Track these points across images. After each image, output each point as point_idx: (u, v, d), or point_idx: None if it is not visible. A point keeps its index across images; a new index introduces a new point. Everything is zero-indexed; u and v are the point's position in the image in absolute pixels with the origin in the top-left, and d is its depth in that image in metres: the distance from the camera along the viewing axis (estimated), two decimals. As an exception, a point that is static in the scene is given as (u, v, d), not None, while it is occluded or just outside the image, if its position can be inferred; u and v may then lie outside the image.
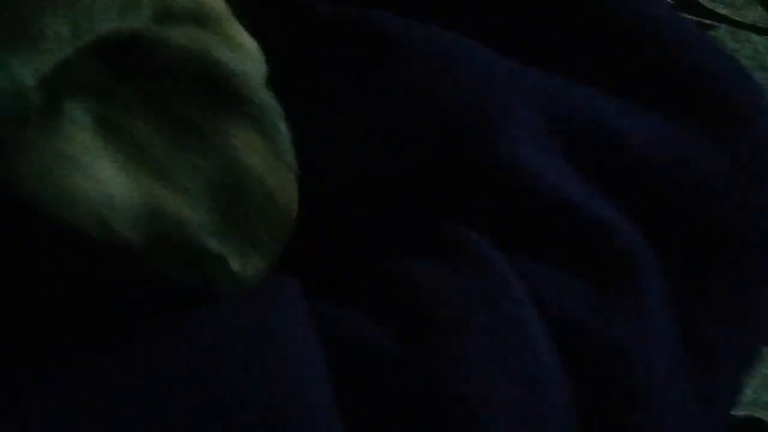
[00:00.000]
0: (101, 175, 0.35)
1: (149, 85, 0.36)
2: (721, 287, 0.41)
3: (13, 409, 0.36)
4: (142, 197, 0.36)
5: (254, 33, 0.48)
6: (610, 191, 0.42)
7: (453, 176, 0.41)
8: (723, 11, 0.84)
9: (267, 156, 0.38)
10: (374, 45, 0.45)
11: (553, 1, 0.44)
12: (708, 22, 0.83)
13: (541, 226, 0.40)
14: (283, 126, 0.38)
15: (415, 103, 0.42)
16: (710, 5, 0.84)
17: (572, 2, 0.44)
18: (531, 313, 0.39)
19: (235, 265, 0.38)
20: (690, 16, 0.86)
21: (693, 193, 0.42)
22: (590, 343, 0.37)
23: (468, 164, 0.41)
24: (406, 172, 0.42)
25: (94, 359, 0.37)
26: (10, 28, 0.36)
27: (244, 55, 0.40)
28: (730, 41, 0.82)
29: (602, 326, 0.37)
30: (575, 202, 0.40)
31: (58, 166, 0.34)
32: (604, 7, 0.43)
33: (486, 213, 0.41)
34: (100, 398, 0.36)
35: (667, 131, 0.43)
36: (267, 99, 0.38)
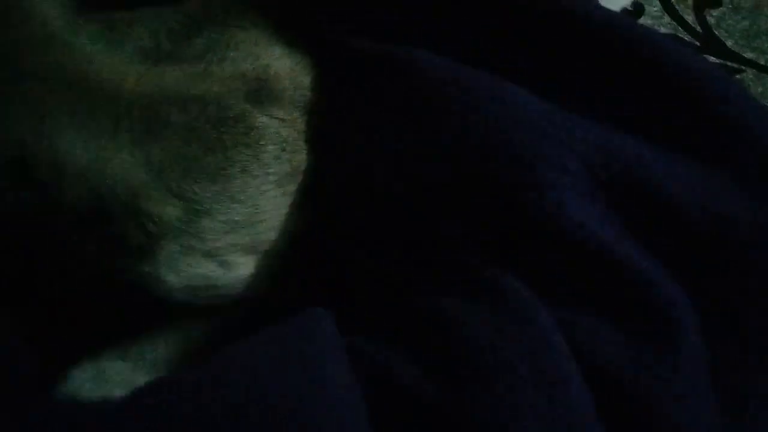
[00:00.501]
0: None
1: None
2: (760, 343, 0.41)
3: None
4: None
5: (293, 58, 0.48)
6: (650, 243, 0.42)
7: (497, 221, 0.41)
8: (749, 55, 0.84)
9: None
10: (415, 83, 0.45)
11: (597, 50, 0.45)
12: (734, 65, 0.83)
13: (582, 277, 0.40)
14: None
15: (460, 146, 0.42)
16: (736, 49, 0.85)
17: (617, 53, 0.44)
18: (571, 366, 0.39)
19: None
20: (716, 59, 0.86)
21: (732, 248, 0.42)
22: (629, 398, 0.37)
23: (512, 210, 0.41)
24: (450, 213, 0.42)
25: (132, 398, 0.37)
26: None
27: None
28: (756, 85, 0.82)
29: (641, 382, 0.37)
30: (617, 255, 0.40)
31: None
32: (650, 58, 0.43)
33: (528, 260, 0.41)
34: None
35: (707, 185, 0.43)
36: None
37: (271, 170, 0.46)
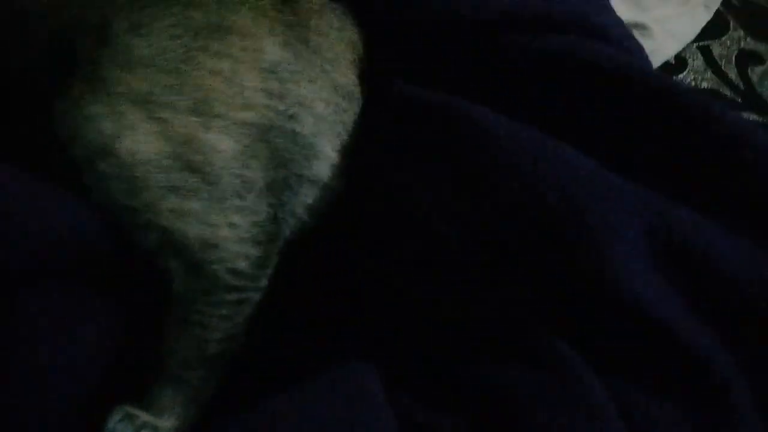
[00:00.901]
0: None
1: None
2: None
3: None
4: None
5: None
6: (705, 314, 0.41)
7: (550, 285, 0.41)
8: (791, 114, 0.84)
9: None
10: (478, 139, 0.45)
11: (656, 119, 0.44)
12: (775, 124, 0.83)
13: (639, 349, 0.40)
14: None
15: (521, 206, 0.42)
16: (778, 107, 0.84)
17: (673, 125, 0.44)
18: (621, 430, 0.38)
19: None
20: (757, 116, 0.85)
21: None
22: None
23: (567, 274, 0.40)
24: (509, 272, 0.42)
25: None
26: None
27: None
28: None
29: None
30: (674, 327, 0.40)
31: None
32: (706, 133, 0.43)
33: (581, 326, 0.40)
34: None
35: (759, 256, 0.42)
36: None
37: None
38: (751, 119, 0.86)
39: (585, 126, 0.45)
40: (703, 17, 0.90)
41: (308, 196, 0.48)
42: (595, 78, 0.45)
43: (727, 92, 0.87)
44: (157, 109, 0.42)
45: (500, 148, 0.43)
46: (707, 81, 0.88)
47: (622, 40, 0.51)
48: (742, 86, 0.88)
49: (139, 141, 0.41)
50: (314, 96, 0.47)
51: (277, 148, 0.45)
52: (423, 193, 0.44)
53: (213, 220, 0.43)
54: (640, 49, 0.52)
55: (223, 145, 0.43)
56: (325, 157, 0.47)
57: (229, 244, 0.44)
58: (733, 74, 0.89)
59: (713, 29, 0.91)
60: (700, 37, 0.89)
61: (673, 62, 0.87)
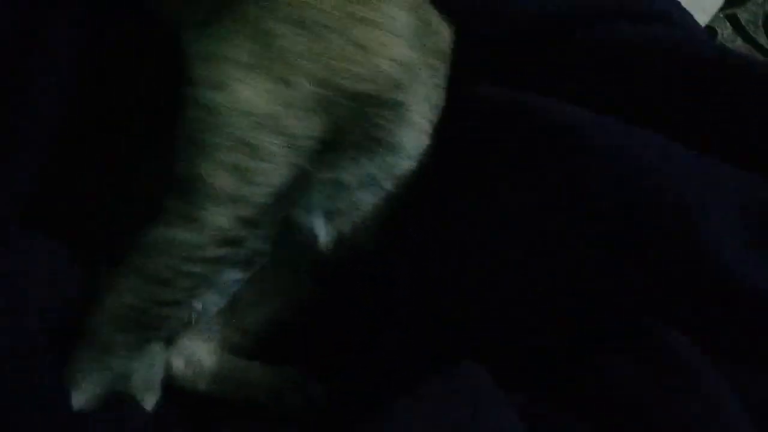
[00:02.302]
0: None
1: None
2: None
3: None
4: None
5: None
6: None
7: (655, 273, 0.41)
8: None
9: None
10: (555, 134, 0.45)
11: (732, 100, 0.45)
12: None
13: (745, 329, 0.40)
14: None
15: (614, 197, 0.42)
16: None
17: (752, 100, 0.44)
18: (743, 424, 0.38)
19: None
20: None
21: None
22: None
23: (669, 259, 0.41)
24: (610, 267, 0.42)
25: None
26: None
27: None
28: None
29: None
30: None
31: None
32: None
33: (688, 313, 0.41)
34: None
35: None
36: None
37: None
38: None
39: (667, 111, 0.45)
40: (727, -15, 0.91)
41: (391, 163, 0.48)
42: (671, 62, 0.45)
43: (759, 57, 0.88)
44: (285, 70, 0.42)
45: (590, 143, 0.43)
46: (738, 48, 0.88)
47: (685, 21, 0.51)
48: (773, 49, 0.88)
49: (255, 95, 0.41)
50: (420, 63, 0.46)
51: (368, 114, 0.45)
52: (515, 193, 0.45)
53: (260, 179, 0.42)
54: (700, 29, 0.53)
55: (318, 118, 0.42)
56: (414, 124, 0.47)
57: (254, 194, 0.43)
58: (762, 39, 0.89)
59: (737, -4, 0.91)
60: (726, 6, 0.90)
61: (703, 33, 0.88)
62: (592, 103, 0.45)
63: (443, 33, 0.50)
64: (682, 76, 0.46)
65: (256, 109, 0.42)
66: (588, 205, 0.43)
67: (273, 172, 0.43)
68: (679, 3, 0.53)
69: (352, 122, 0.44)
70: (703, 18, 0.88)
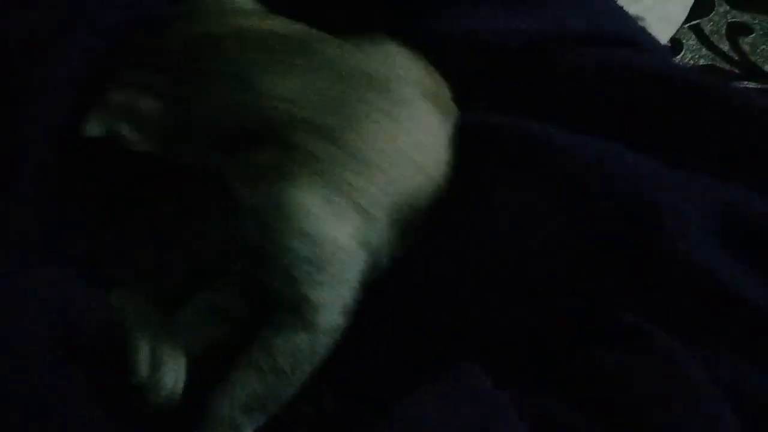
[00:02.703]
0: None
1: None
2: None
3: None
4: None
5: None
6: None
7: (631, 270, 0.46)
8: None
9: None
10: (543, 155, 0.50)
11: (700, 117, 0.50)
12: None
13: (718, 319, 0.45)
14: None
15: (589, 206, 0.47)
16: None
17: (719, 117, 0.49)
18: (718, 401, 0.43)
19: None
20: (755, 84, 0.91)
21: None
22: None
23: (644, 259, 0.46)
24: (596, 271, 0.47)
25: None
26: None
27: None
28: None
29: None
30: (745, 297, 0.45)
31: None
32: (748, 121, 0.48)
33: (668, 309, 0.46)
34: None
35: None
36: None
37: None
38: (750, 87, 0.92)
39: (642, 129, 0.51)
40: (690, -2, 0.96)
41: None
42: (642, 83, 0.51)
43: (725, 65, 0.93)
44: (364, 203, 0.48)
45: (570, 161, 0.48)
46: (704, 58, 0.94)
47: (651, 46, 0.57)
48: (736, 57, 0.94)
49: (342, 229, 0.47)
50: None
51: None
52: (508, 203, 0.49)
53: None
54: (667, 51, 0.58)
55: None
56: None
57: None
58: (726, 47, 0.95)
59: (701, 8, 0.96)
60: (689, 18, 0.95)
61: (670, 45, 0.93)
62: (567, 123, 0.50)
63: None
64: (652, 96, 0.51)
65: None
66: (571, 214, 0.48)
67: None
68: (645, 29, 0.58)
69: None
70: (669, 29, 0.94)
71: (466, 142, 0.52)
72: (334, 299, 0.48)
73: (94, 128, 0.49)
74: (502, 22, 0.57)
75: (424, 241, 0.53)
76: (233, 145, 0.49)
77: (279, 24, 0.51)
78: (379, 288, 0.54)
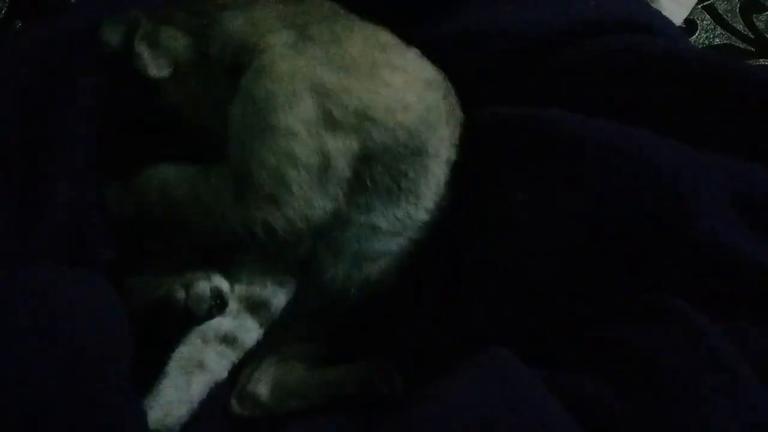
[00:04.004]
0: None
1: None
2: None
3: None
4: None
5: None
6: None
7: (658, 250, 0.48)
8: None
9: None
10: (559, 140, 0.51)
11: (713, 96, 0.51)
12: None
13: (746, 294, 0.46)
14: None
15: (615, 189, 0.49)
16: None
17: (731, 95, 0.50)
18: (744, 368, 0.44)
19: None
20: (771, 60, 0.91)
21: None
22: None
23: (671, 240, 0.47)
24: (621, 252, 0.48)
25: None
26: None
27: None
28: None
29: None
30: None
31: None
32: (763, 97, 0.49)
33: (692, 283, 0.47)
34: None
35: None
36: None
37: None
38: (766, 65, 0.92)
39: (657, 111, 0.52)
40: (703, -22, 0.97)
41: (413, 214, 0.55)
42: (657, 67, 0.52)
43: (740, 44, 0.94)
44: (327, 102, 0.49)
45: (592, 145, 0.50)
46: (719, 37, 0.94)
47: (665, 29, 0.58)
48: (751, 35, 0.94)
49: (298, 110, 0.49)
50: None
51: (394, 153, 0.52)
52: (531, 192, 0.51)
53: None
54: (681, 34, 0.59)
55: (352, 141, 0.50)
56: (434, 175, 0.54)
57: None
58: (740, 26, 0.95)
59: (713, -13, 0.97)
60: (702, -2, 0.96)
61: (684, 25, 0.94)
62: (586, 108, 0.51)
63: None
64: (669, 79, 0.52)
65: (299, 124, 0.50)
66: (597, 198, 0.49)
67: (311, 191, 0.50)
68: (659, 12, 0.60)
69: (380, 156, 0.51)
70: (682, 11, 0.95)
71: (483, 135, 0.54)
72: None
73: (111, 36, 0.54)
74: (513, 16, 0.59)
75: (455, 229, 0.55)
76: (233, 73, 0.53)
77: None
78: (415, 272, 0.56)
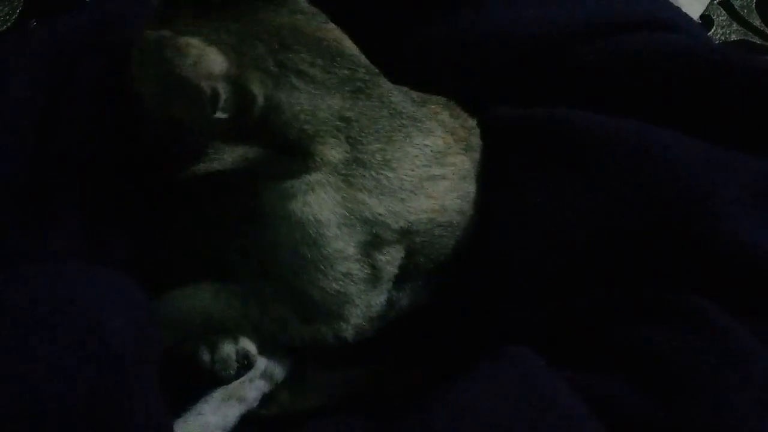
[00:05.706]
0: None
1: None
2: None
3: None
4: None
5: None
6: None
7: (680, 251, 0.47)
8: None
9: None
10: (576, 140, 0.51)
11: (732, 93, 0.51)
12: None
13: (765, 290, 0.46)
14: None
15: (634, 188, 0.48)
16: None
17: (752, 91, 0.50)
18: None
19: None
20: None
21: None
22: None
23: (693, 240, 0.47)
24: (640, 251, 0.48)
25: None
26: None
27: None
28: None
29: None
30: None
31: None
32: None
33: (716, 283, 0.47)
34: None
35: None
36: None
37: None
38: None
39: (678, 108, 0.51)
40: (719, -26, 0.96)
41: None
42: (679, 65, 0.51)
43: (756, 40, 0.93)
44: (376, 228, 0.51)
45: (609, 144, 0.49)
46: (735, 33, 0.94)
47: (686, 26, 0.57)
48: (767, 31, 0.94)
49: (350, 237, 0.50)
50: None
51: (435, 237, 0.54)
52: (552, 203, 0.51)
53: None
54: (701, 30, 0.59)
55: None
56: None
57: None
58: (757, 22, 0.95)
59: (730, -17, 0.96)
60: (719, -6, 0.95)
61: (700, 22, 0.93)
62: (603, 108, 0.51)
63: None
64: (691, 77, 0.52)
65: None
66: (619, 198, 0.49)
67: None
68: (679, 9, 0.59)
69: (421, 249, 0.53)
70: (698, 8, 0.94)
71: (498, 136, 0.54)
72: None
73: None
74: (531, 15, 0.58)
75: (478, 231, 0.54)
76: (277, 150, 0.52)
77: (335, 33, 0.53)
78: (441, 278, 0.56)
